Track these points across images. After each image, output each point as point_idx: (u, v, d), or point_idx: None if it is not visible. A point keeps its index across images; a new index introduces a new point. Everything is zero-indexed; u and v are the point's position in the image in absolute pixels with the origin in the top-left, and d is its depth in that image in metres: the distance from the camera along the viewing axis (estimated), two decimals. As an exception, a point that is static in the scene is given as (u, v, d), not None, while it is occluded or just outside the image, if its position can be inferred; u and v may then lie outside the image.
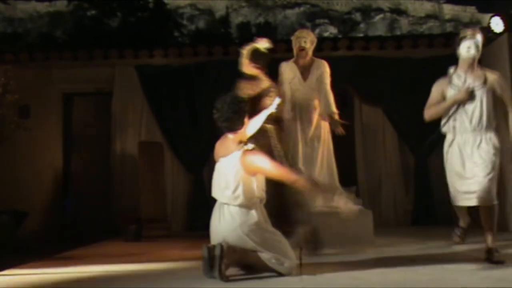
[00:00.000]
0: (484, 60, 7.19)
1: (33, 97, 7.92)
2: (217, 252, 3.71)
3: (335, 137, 6.14)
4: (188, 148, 7.70)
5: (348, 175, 6.62)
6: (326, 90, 5.83)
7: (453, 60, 7.48)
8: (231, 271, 3.91)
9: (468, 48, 4.62)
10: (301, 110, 5.92)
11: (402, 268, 4.28)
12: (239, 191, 3.84)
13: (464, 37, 4.65)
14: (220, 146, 4.02)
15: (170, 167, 7.77)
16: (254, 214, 3.90)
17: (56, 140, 8.17)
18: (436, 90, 4.87)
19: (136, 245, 6.28)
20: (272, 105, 4.35)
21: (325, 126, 6.02)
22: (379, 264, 4.45)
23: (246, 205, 3.88)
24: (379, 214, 7.05)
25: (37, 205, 7.69)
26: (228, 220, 3.88)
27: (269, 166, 3.86)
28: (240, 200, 3.86)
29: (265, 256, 3.87)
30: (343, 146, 6.63)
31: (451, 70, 4.77)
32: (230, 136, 3.98)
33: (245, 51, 5.24)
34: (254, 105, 4.77)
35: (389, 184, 7.67)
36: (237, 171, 3.84)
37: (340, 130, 5.71)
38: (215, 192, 4.01)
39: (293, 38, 6.05)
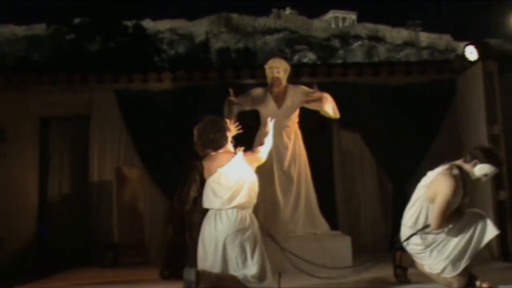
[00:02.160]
0: (459, 88, 7.36)
1: (9, 121, 7.81)
2: (192, 277, 3.72)
3: (314, 163, 6.19)
4: (167, 173, 7.65)
5: (326, 200, 6.64)
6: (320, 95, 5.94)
7: (428, 87, 7.66)
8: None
9: (485, 176, 4.44)
10: (276, 136, 5.96)
11: None
12: (244, 190, 4.05)
13: (494, 162, 4.41)
14: (212, 162, 4.24)
15: (148, 193, 7.69)
16: (251, 223, 4.04)
17: (33, 165, 8.05)
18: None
19: (113, 272, 6.20)
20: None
21: (302, 152, 6.06)
22: (357, 288, 4.49)
23: (246, 206, 4.05)
24: (357, 239, 7.04)
25: (12, 231, 7.53)
26: (226, 224, 3.99)
27: (263, 152, 4.29)
28: (243, 199, 4.03)
29: (242, 276, 3.87)
30: (322, 172, 6.67)
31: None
32: (220, 150, 4.24)
33: (195, 131, 5.48)
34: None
35: (368, 209, 7.69)
36: (245, 170, 4.10)
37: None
38: (211, 201, 4.13)
39: (266, 67, 6.16)
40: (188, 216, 5.21)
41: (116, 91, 7.85)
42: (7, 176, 7.73)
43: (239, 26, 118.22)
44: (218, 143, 4.22)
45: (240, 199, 4.03)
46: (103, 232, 7.42)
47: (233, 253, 3.94)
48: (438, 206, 4.29)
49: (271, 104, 6.02)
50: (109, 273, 6.12)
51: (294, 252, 4.88)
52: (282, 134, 5.96)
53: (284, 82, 6.09)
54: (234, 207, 4.02)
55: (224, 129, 4.25)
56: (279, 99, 6.04)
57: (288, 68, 6.17)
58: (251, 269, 3.92)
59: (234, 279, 3.90)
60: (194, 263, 4.16)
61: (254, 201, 4.15)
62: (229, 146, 4.30)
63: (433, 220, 4.32)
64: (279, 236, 5.54)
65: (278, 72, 6.03)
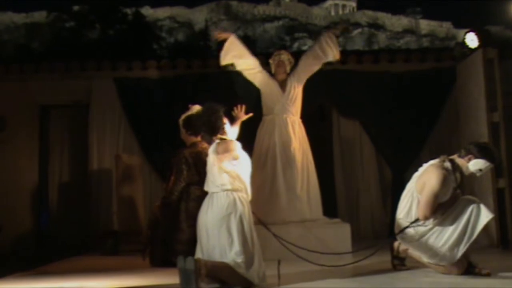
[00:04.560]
0: (459, 75, 7.35)
1: (8, 109, 7.82)
2: (190, 266, 3.75)
3: (313, 151, 6.19)
4: (166, 161, 7.65)
5: (326, 187, 6.65)
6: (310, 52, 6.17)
7: (428, 74, 7.66)
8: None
9: (480, 172, 4.41)
10: (280, 123, 5.97)
11: (378, 276, 4.43)
12: (224, 176, 4.07)
13: (488, 157, 4.37)
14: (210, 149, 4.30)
15: (148, 180, 7.70)
16: (240, 207, 4.03)
17: (33, 153, 8.06)
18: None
19: (113, 259, 6.22)
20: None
21: (305, 142, 6.07)
22: (356, 275, 4.52)
23: (235, 189, 4.07)
24: (356, 227, 7.07)
25: (12, 219, 7.55)
26: (215, 210, 4.03)
27: (224, 153, 4.09)
28: (226, 184, 4.05)
29: (234, 262, 3.88)
30: (322, 160, 6.67)
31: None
32: (214, 137, 4.24)
33: (180, 121, 5.48)
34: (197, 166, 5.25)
35: (367, 197, 7.71)
36: (213, 160, 4.12)
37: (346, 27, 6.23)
38: (208, 185, 4.20)
39: (271, 59, 6.25)
40: (182, 205, 5.24)
41: (116, 79, 7.84)
42: (7, 164, 7.75)
43: (239, 14, 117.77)
44: (211, 129, 4.20)
45: (224, 186, 4.06)
46: (103, 219, 7.45)
47: (221, 238, 3.96)
48: (425, 197, 4.30)
49: (276, 89, 6.04)
50: (108, 260, 6.13)
51: (293, 239, 4.88)
52: (287, 121, 5.98)
53: (287, 70, 6.13)
54: (223, 190, 4.06)
55: (218, 115, 4.20)
56: (283, 85, 6.08)
57: (292, 61, 6.22)
58: (239, 254, 3.94)
59: (227, 266, 3.92)
60: (189, 251, 4.18)
61: (243, 185, 4.12)
62: (225, 133, 4.26)
63: (419, 210, 4.33)
64: (279, 223, 5.57)
65: (283, 57, 6.14)
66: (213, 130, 4.20)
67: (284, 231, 5.03)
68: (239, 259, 3.91)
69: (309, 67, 6.14)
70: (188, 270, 3.75)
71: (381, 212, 7.63)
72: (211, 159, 4.14)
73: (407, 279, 4.29)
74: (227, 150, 4.09)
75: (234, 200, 4.03)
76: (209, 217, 4.03)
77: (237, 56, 6.08)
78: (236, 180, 4.07)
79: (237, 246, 3.93)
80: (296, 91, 6.07)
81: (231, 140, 4.22)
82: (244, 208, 4.05)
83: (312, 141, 6.20)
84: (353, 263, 4.75)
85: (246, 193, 4.16)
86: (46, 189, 8.31)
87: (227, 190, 4.05)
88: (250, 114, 4.95)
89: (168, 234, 5.29)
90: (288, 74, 6.12)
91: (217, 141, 4.18)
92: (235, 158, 4.11)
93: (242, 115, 4.92)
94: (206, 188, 4.21)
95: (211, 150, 4.17)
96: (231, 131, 4.47)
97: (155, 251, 5.40)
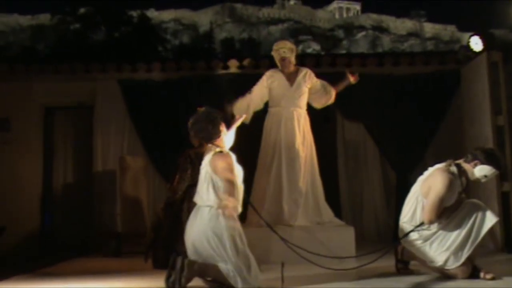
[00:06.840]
0: (463, 79, 7.34)
1: (13, 110, 7.84)
2: (178, 265, 3.77)
3: (318, 153, 6.17)
4: (170, 163, 7.65)
5: (330, 190, 6.64)
6: (319, 82, 6.13)
7: (432, 77, 7.64)
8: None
9: (485, 178, 4.43)
10: (287, 116, 5.95)
11: (382, 279, 4.43)
12: (210, 191, 3.97)
13: (495, 164, 4.39)
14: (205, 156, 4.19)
15: (152, 182, 7.71)
16: (222, 221, 3.94)
17: (37, 154, 8.08)
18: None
19: (116, 261, 6.22)
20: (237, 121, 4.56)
21: (310, 137, 6.06)
22: (360, 278, 4.53)
23: (220, 207, 3.95)
24: (360, 229, 7.05)
25: (16, 219, 7.57)
26: (199, 223, 3.98)
27: (225, 173, 3.93)
28: (211, 201, 3.96)
29: (224, 268, 3.87)
30: (326, 162, 6.66)
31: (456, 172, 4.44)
32: (209, 145, 4.14)
33: (189, 124, 5.44)
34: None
35: (371, 200, 7.69)
36: (206, 172, 4.01)
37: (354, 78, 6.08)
38: (195, 197, 4.13)
39: (273, 52, 6.19)
40: (185, 205, 5.22)
41: (120, 81, 7.86)
42: (12, 165, 7.77)
43: (243, 16, 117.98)
44: (207, 135, 4.11)
45: (208, 201, 3.97)
46: (106, 221, 7.45)
47: (206, 250, 3.93)
48: (430, 201, 4.30)
49: (283, 82, 6.02)
50: (111, 262, 6.13)
51: (297, 242, 4.87)
52: (293, 114, 5.94)
53: (292, 61, 6.09)
54: (207, 206, 3.98)
55: (217, 122, 4.12)
56: (291, 78, 6.05)
57: (294, 47, 6.16)
58: (226, 267, 3.91)
59: (216, 269, 3.90)
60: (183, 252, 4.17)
61: (229, 203, 3.97)
62: (221, 141, 4.17)
63: (424, 214, 4.33)
64: (283, 225, 5.56)
65: (284, 52, 6.06)
66: (209, 137, 4.11)
67: (288, 234, 5.03)
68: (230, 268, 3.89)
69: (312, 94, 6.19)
70: (176, 268, 3.80)
71: (385, 214, 7.61)
72: (205, 172, 4.03)
73: (411, 283, 4.28)
74: (226, 169, 3.94)
75: (217, 215, 3.93)
76: (193, 229, 3.98)
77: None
78: (223, 198, 3.96)
79: (220, 262, 3.89)
80: (304, 85, 6.06)
81: (227, 154, 4.07)
82: (228, 224, 3.93)
83: (316, 144, 6.19)
84: (358, 267, 4.74)
85: (233, 210, 4.03)
86: (50, 190, 8.32)
87: (212, 206, 3.97)
88: (244, 116, 4.85)
89: (170, 234, 5.28)
90: (297, 71, 6.10)
91: (212, 153, 4.07)
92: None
93: (235, 121, 4.82)
94: (194, 199, 4.13)
95: (206, 161, 4.06)
96: (227, 137, 4.38)
97: (158, 253, 5.39)
